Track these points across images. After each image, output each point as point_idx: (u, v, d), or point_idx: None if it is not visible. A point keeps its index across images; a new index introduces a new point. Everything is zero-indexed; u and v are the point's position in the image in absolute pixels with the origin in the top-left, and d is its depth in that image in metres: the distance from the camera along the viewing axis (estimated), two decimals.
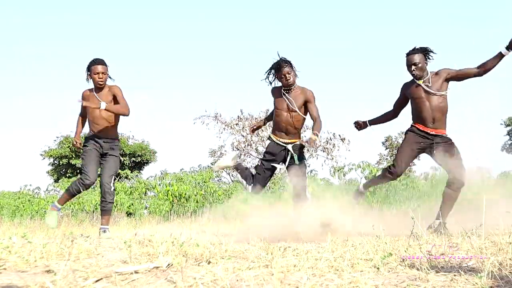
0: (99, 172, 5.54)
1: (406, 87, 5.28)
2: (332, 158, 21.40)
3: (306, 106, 5.38)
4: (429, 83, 5.09)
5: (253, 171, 5.58)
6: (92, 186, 5.58)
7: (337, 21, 39.49)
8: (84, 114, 5.74)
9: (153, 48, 39.00)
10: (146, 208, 13.98)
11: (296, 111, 5.35)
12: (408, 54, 5.13)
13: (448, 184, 5.12)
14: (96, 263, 2.58)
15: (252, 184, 5.47)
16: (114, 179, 5.49)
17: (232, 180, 23.02)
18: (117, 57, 36.42)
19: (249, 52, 38.90)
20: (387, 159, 28.93)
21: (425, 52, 5.12)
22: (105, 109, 5.27)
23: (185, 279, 2.11)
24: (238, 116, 23.49)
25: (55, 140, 23.66)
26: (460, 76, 5.08)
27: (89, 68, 5.35)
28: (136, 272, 2.32)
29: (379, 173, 5.62)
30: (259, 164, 5.53)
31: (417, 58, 5.06)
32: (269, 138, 5.50)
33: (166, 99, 37.70)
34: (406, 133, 5.35)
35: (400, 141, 29.47)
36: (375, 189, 14.04)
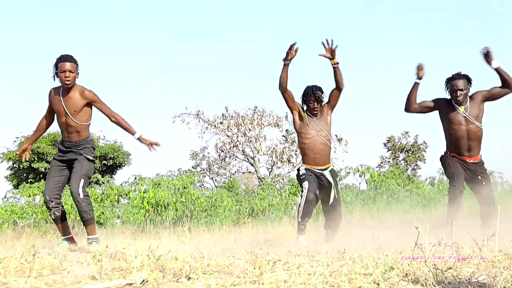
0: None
1: (443, 106, 5.61)
2: None
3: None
4: (468, 110, 5.46)
5: None
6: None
7: (322, 16, 39.65)
8: (49, 118, 5.58)
9: (127, 38, 38.90)
10: (118, 217, 13.91)
11: None
12: (452, 79, 5.48)
13: (481, 216, 5.56)
14: (61, 280, 2.56)
15: None
16: (85, 183, 5.32)
17: (215, 186, 22.99)
18: (85, 47, 36.23)
19: (234, 44, 38.92)
20: (389, 162, 29.04)
21: (468, 78, 5.49)
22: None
23: None
24: (222, 114, 23.47)
25: (14, 141, 23.42)
26: (493, 95, 5.50)
27: (56, 65, 5.24)
28: None
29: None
30: None
31: (462, 83, 5.44)
32: None
33: (141, 95, 37.58)
34: (443, 159, 5.73)
35: (404, 142, 29.65)
36: (375, 196, 14.09)
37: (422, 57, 40.38)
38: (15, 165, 23.33)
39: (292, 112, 5.88)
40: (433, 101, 5.66)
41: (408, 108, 5.67)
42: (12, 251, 4.17)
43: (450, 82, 5.48)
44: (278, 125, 23.24)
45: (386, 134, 30.10)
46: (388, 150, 30.15)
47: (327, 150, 5.82)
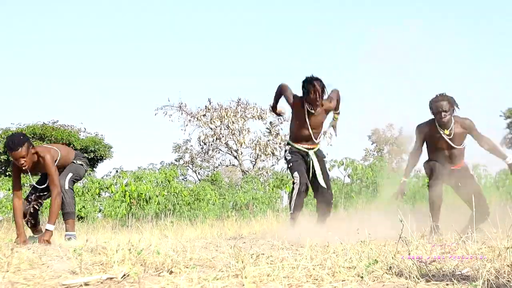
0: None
1: (424, 132, 5.70)
2: None
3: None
4: (452, 133, 5.51)
5: None
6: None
7: (310, 13, 39.68)
8: (18, 194, 5.31)
9: (109, 31, 38.62)
10: (100, 211, 13.84)
11: None
12: (436, 101, 5.48)
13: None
14: (40, 275, 2.54)
15: None
16: (72, 177, 5.56)
17: (199, 179, 22.97)
18: (63, 38, 35.92)
19: (217, 34, 38.81)
20: (374, 155, 29.20)
21: (453, 100, 5.50)
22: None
23: None
24: (205, 106, 23.42)
25: None
26: (477, 139, 5.63)
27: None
28: (86, 284, 2.30)
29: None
30: None
31: (446, 105, 5.43)
32: None
33: (123, 87, 37.38)
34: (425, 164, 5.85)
35: (389, 134, 29.81)
36: (360, 190, 14.17)
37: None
38: None
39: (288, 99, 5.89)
40: (418, 132, 5.74)
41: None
42: None
43: (434, 104, 5.49)
44: (262, 117, 23.27)
45: (370, 127, 30.22)
46: (373, 143, 30.33)
47: (318, 133, 5.88)
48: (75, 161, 5.65)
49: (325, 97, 5.75)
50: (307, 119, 5.72)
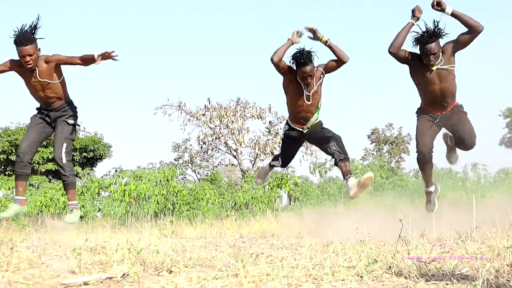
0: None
1: (416, 62, 5.34)
2: (312, 153, 21.52)
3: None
4: (441, 64, 5.24)
5: None
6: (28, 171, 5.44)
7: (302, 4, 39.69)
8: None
9: (109, 30, 38.61)
10: (99, 210, 13.84)
11: None
12: (424, 42, 5.17)
13: (458, 142, 5.61)
14: (40, 274, 2.54)
15: None
16: (68, 147, 5.36)
17: (198, 179, 22.96)
18: (63, 37, 35.90)
19: (217, 35, 38.79)
20: (373, 154, 29.20)
21: (440, 35, 5.20)
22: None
23: None
24: (205, 106, 23.40)
25: None
26: (462, 44, 5.23)
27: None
28: (85, 283, 2.29)
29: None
30: None
31: (435, 46, 5.16)
32: None
33: (122, 86, 37.35)
34: (416, 117, 5.64)
35: (388, 134, 29.81)
36: None
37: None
38: None
39: (283, 76, 5.66)
40: (409, 53, 5.36)
41: (393, 47, 5.31)
42: None
43: (422, 46, 5.20)
44: (261, 117, 23.24)
45: (370, 126, 30.21)
46: (372, 142, 30.32)
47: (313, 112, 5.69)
48: (67, 118, 5.41)
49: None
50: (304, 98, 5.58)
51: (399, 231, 3.17)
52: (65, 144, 5.32)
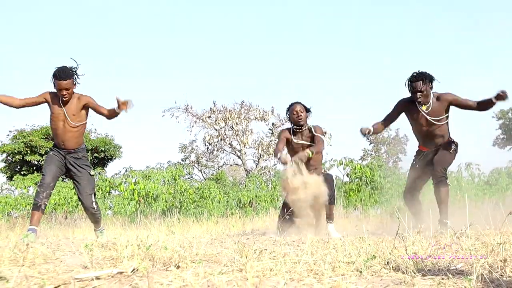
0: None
1: (405, 107, 5.53)
2: None
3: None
4: (430, 109, 5.34)
5: None
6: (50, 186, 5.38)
7: (306, 15, 39.65)
8: (22, 103, 5.32)
9: (117, 34, 38.66)
10: (110, 208, 13.87)
11: None
12: (413, 81, 5.33)
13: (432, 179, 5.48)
14: (54, 269, 2.54)
15: None
16: (95, 196, 5.57)
17: (204, 178, 22.98)
18: (78, 44, 35.98)
19: (222, 39, 38.83)
20: (371, 154, 29.17)
21: (428, 78, 5.32)
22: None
23: (152, 285, 2.10)
24: (210, 108, 23.44)
25: (8, 135, 23.26)
26: (460, 104, 5.36)
27: (53, 80, 5.18)
28: (97, 278, 2.29)
29: None
30: None
31: (421, 85, 5.27)
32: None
33: (132, 89, 37.41)
34: (413, 160, 5.77)
35: (386, 135, 29.77)
36: (359, 188, 14.15)
37: (406, 47, 40.53)
38: (8, 158, 23.16)
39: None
40: (397, 105, 5.57)
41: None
42: (6, 241, 4.14)
43: (411, 84, 5.36)
44: (264, 119, 23.26)
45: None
46: (370, 143, 30.29)
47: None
48: (88, 170, 5.52)
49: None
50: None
51: (396, 228, 3.16)
52: (93, 195, 5.52)
